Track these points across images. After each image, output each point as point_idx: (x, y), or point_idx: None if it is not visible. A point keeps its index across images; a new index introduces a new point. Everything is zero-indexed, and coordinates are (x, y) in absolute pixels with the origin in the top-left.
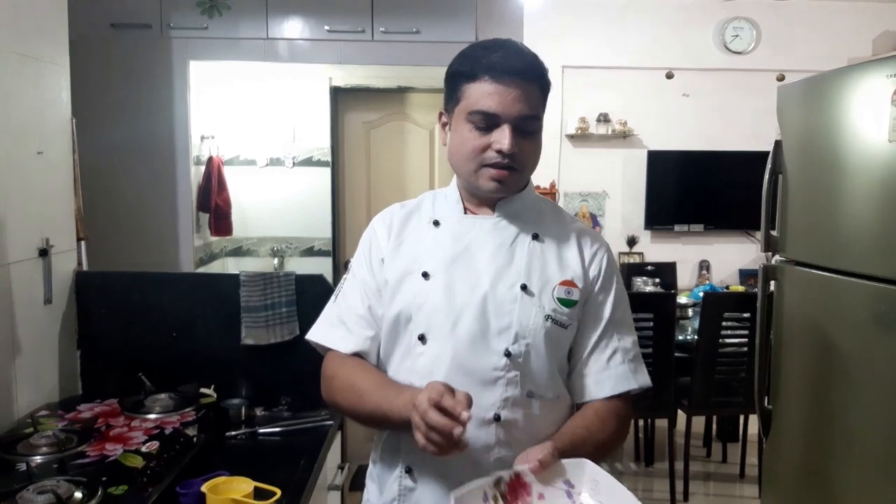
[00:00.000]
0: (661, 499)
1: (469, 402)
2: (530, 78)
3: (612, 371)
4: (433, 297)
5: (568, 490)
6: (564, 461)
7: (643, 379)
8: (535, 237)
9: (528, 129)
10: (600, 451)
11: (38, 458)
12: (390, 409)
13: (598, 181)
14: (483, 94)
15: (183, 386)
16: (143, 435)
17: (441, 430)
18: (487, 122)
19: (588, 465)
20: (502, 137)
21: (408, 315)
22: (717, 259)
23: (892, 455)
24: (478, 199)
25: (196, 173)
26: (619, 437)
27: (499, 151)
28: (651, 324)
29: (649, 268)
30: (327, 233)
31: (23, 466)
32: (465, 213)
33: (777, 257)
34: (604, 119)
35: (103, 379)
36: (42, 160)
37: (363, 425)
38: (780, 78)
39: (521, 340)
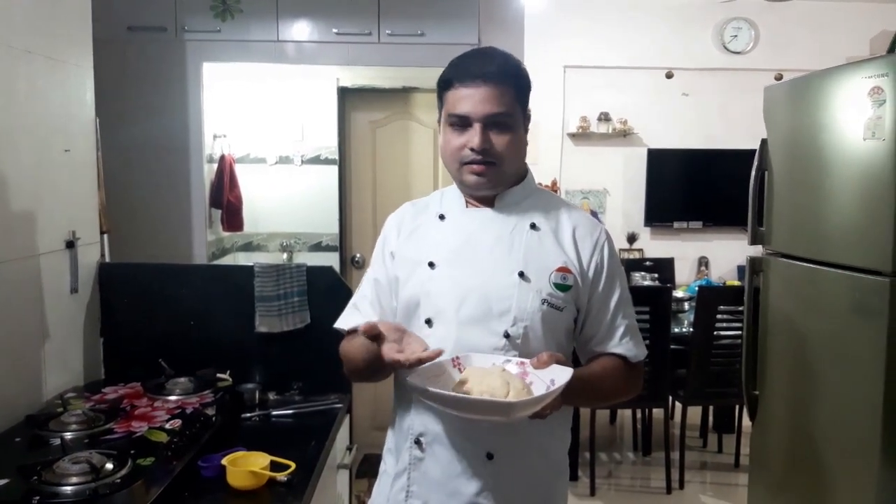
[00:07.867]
0: (658, 487)
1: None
2: (499, 79)
3: (623, 347)
4: (438, 285)
5: (548, 385)
6: (555, 366)
7: (643, 350)
8: (533, 227)
9: (500, 124)
10: (602, 390)
11: (69, 434)
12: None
13: (599, 179)
14: (456, 99)
15: (200, 371)
16: (166, 414)
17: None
18: (461, 123)
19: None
20: (473, 136)
21: (416, 301)
22: (715, 255)
23: (871, 435)
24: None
25: (209, 171)
26: (624, 390)
27: (472, 150)
28: (647, 316)
29: (648, 263)
30: (334, 228)
31: (57, 441)
32: (468, 206)
33: (763, 250)
34: (604, 118)
35: (124, 364)
36: (69, 158)
37: (371, 380)
38: (779, 77)
39: (519, 323)
